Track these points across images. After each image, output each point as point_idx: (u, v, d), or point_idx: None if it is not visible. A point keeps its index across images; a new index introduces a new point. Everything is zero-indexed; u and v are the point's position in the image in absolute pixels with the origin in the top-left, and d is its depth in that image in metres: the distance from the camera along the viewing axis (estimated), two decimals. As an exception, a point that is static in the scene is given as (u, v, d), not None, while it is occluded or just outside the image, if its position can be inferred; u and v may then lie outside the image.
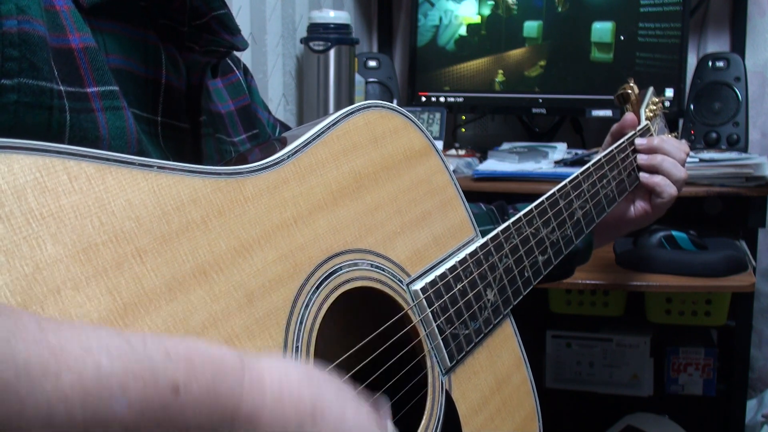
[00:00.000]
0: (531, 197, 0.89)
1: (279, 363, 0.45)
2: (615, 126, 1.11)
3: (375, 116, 0.71)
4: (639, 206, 1.07)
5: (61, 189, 0.45)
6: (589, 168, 0.97)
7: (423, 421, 0.67)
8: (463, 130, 2.11)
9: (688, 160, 1.18)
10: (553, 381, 1.84)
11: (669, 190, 1.04)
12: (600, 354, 1.81)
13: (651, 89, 1.20)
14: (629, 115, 1.10)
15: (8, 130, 0.50)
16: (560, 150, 1.81)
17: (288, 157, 0.62)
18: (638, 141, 1.07)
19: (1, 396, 0.32)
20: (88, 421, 0.34)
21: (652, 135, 1.11)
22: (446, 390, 0.70)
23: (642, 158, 1.06)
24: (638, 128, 1.10)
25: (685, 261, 1.45)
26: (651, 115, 1.14)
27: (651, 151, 1.06)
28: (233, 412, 0.40)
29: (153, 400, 0.37)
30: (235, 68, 0.82)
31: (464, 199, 0.80)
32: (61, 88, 0.53)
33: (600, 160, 1.00)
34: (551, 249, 0.87)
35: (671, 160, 1.05)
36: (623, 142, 1.05)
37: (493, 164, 1.70)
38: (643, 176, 1.05)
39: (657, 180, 1.04)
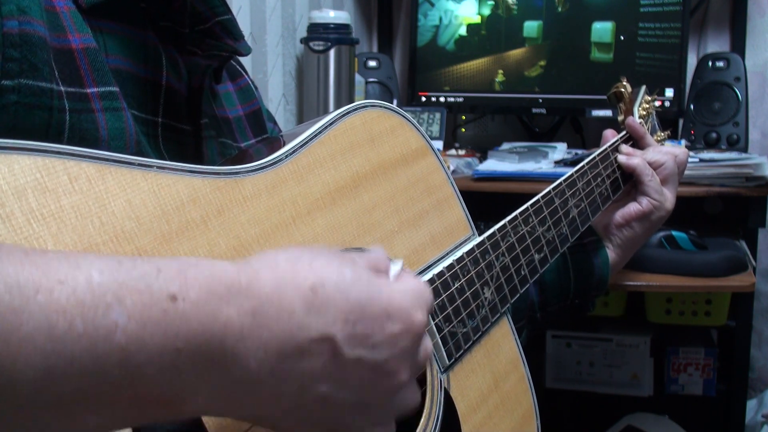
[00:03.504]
0: (531, 197, 0.89)
1: (268, 257, 0.44)
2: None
3: (372, 116, 0.71)
4: (644, 200, 1.06)
5: (61, 189, 0.45)
6: (583, 166, 0.98)
7: (422, 419, 0.68)
8: (463, 130, 2.12)
9: (689, 160, 1.19)
10: (553, 381, 1.85)
11: (646, 178, 1.04)
12: (600, 354, 1.81)
13: (644, 87, 1.20)
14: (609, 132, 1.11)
15: (8, 131, 0.50)
16: (560, 150, 1.81)
17: (286, 156, 0.62)
18: (623, 148, 1.07)
19: None
20: (90, 333, 0.34)
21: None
22: (445, 388, 0.71)
23: (621, 158, 1.06)
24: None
25: (685, 261, 1.45)
26: (644, 113, 1.15)
27: (631, 154, 1.07)
28: (238, 314, 0.39)
29: (152, 309, 0.36)
30: (243, 73, 0.83)
31: (461, 198, 0.80)
32: (62, 88, 0.54)
33: (594, 158, 1.00)
34: (547, 247, 0.87)
35: (644, 164, 1.05)
36: (617, 141, 1.06)
37: (493, 164, 1.70)
38: (621, 158, 1.05)
39: (636, 161, 1.05)
